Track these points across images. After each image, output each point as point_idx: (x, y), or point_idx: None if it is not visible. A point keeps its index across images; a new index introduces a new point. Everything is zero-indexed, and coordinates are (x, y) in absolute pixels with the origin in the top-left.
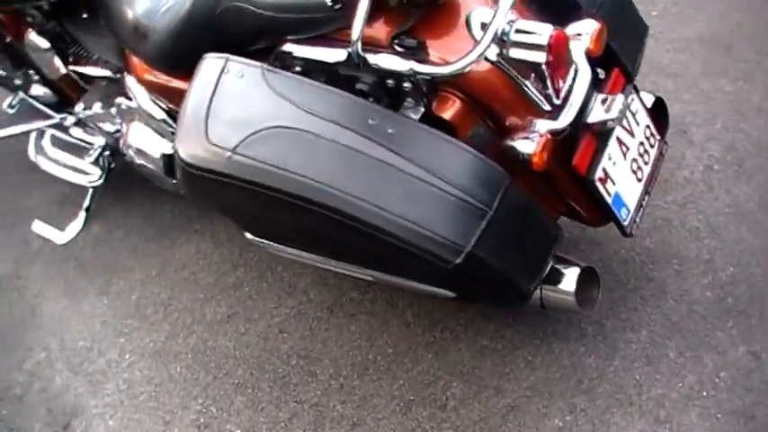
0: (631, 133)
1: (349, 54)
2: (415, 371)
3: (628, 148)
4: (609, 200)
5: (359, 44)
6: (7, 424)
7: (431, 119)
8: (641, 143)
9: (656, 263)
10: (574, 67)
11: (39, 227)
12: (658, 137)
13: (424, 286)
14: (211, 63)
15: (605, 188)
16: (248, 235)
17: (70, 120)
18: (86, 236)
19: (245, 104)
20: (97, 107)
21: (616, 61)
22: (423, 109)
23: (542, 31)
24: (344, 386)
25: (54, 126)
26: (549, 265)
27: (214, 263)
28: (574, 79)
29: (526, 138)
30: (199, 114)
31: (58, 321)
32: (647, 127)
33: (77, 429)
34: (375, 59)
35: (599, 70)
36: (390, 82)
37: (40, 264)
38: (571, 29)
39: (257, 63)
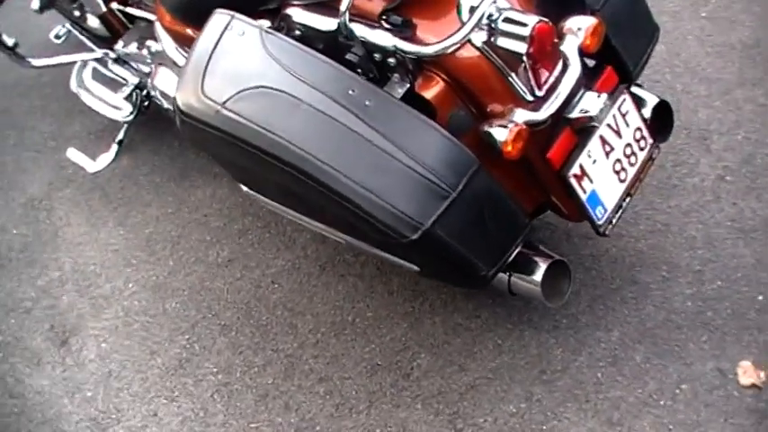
0: (618, 133)
1: (339, 24)
2: (389, 337)
3: (612, 148)
4: (583, 197)
5: (347, 15)
6: (13, 333)
7: (413, 96)
8: (629, 144)
9: (644, 266)
10: (564, 60)
11: (73, 154)
12: (650, 140)
13: (390, 256)
14: (218, 19)
15: (580, 185)
16: (241, 185)
17: (110, 56)
18: (115, 168)
19: (239, 62)
20: (133, 47)
21: (617, 59)
22: (408, 85)
23: (528, 22)
24: (320, 342)
25: (96, 60)
26: (514, 254)
27: (226, 208)
28: (563, 73)
29: (502, 126)
30: (198, 67)
31: (76, 245)
32: (639, 129)
33: (74, 347)
34: (362, 32)
35: (591, 61)
36: (377, 56)
37: (70, 189)
38: (569, 23)
39: (257, 24)
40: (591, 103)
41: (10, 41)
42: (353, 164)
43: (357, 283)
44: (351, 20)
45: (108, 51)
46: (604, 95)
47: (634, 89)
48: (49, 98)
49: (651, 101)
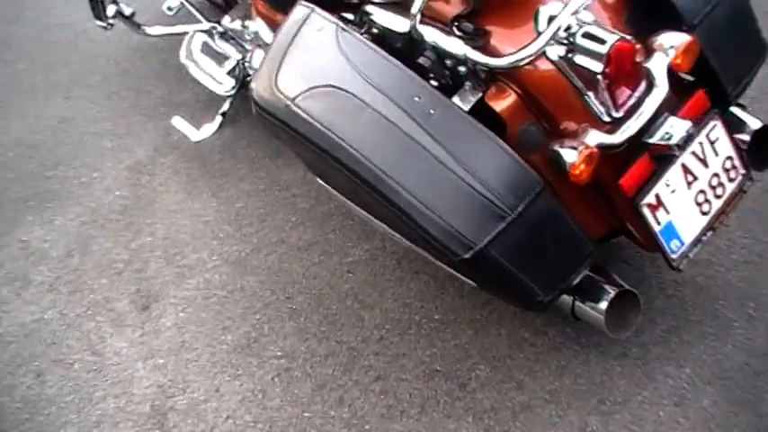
0: (704, 162)
1: (410, 27)
2: (452, 343)
3: (695, 178)
4: (656, 228)
5: (417, 18)
6: (103, 292)
7: (483, 107)
8: (716, 175)
9: (730, 300)
10: (649, 80)
11: (178, 122)
12: (743, 171)
13: (447, 268)
14: (298, 11)
15: (655, 215)
16: (315, 176)
17: (217, 29)
18: (216, 139)
19: (313, 58)
20: (237, 23)
21: (713, 80)
22: (480, 95)
23: (607, 39)
24: (383, 339)
25: (204, 33)
26: (575, 281)
27: (314, 190)
28: (647, 94)
29: (572, 147)
30: (275, 59)
31: (170, 212)
32: (729, 158)
33: (153, 313)
34: (433, 37)
35: (688, 77)
36: (449, 62)
37: (173, 156)
38: (660, 39)
39: (335, 20)
40: (674, 128)
41: (128, 11)
42: (411, 174)
43: (430, 282)
44: (423, 23)
45: (215, 25)
46: (688, 123)
47: (735, 110)
48: (166, 64)
49: (753, 125)
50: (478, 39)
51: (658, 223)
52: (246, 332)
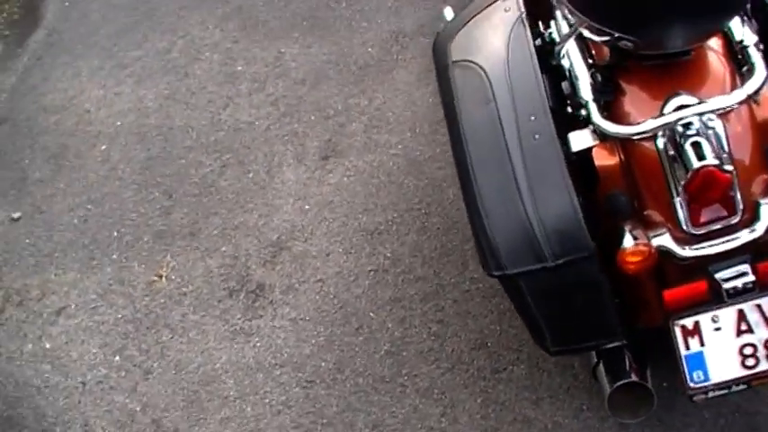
0: None
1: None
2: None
3: (750, 330)
4: (683, 351)
5: (566, 45)
6: (303, 128)
7: (588, 157)
8: None
9: None
10: (754, 215)
11: (448, 12)
12: None
13: None
14: None
15: (686, 340)
16: None
17: None
18: None
19: (486, 34)
20: None
21: None
22: (593, 144)
23: (703, 159)
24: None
25: None
26: (590, 350)
27: None
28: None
29: (636, 235)
30: (464, 19)
31: (394, 88)
32: None
33: (328, 165)
34: (573, 70)
35: None
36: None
37: (428, 41)
38: None
39: (522, 9)
40: (739, 275)
41: None
42: (489, 179)
43: None
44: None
45: None
46: (752, 278)
47: None
48: None
49: None
50: (607, 93)
51: (687, 348)
52: (378, 222)
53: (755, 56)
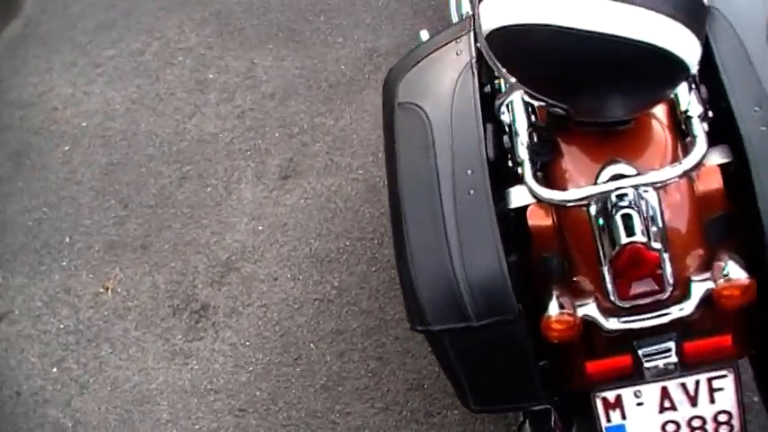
0: (692, 400)
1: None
2: None
3: (673, 408)
4: (603, 423)
5: (502, 103)
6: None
7: (522, 213)
8: (701, 418)
9: None
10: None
11: (424, 35)
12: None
13: None
14: (460, 26)
15: (606, 412)
16: None
17: None
18: None
19: (434, 76)
20: None
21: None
22: (527, 204)
23: (630, 236)
24: None
25: None
26: (512, 412)
27: None
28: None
29: (561, 304)
30: (418, 56)
31: (359, 108)
32: (726, 413)
33: (287, 185)
34: (508, 121)
35: None
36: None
37: None
38: (722, 263)
39: (474, 55)
40: (662, 355)
41: None
42: (420, 230)
43: None
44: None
45: None
46: (674, 359)
47: None
48: None
49: None
50: (544, 154)
51: (608, 420)
52: (329, 249)
53: (698, 128)
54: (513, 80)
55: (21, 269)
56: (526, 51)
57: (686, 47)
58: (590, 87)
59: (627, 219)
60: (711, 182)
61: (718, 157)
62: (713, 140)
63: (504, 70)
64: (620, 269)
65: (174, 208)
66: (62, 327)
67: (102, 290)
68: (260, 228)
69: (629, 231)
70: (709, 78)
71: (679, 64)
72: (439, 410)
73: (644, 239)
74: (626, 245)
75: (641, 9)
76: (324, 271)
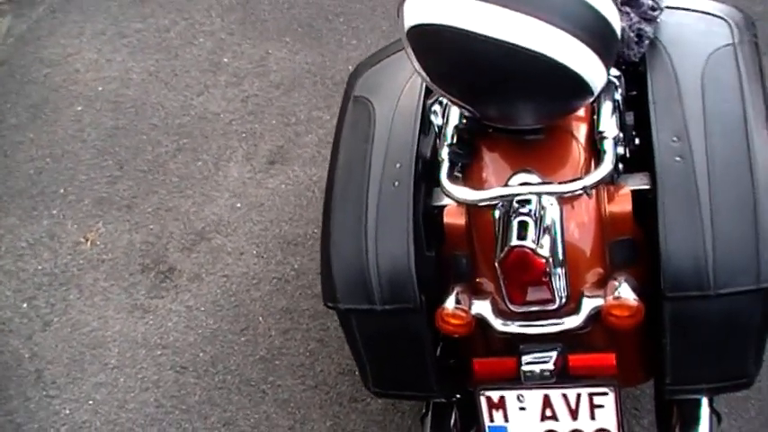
0: (573, 414)
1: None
2: None
3: (555, 418)
4: (487, 421)
5: (433, 105)
6: None
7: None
8: None
9: None
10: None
11: None
12: None
13: None
14: None
15: (490, 411)
16: None
17: None
18: None
19: (390, 74)
20: None
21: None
22: (447, 204)
23: (520, 241)
24: None
25: None
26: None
27: None
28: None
29: (459, 299)
30: (379, 56)
31: None
32: None
33: (273, 167)
34: (437, 122)
35: None
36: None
37: None
38: (616, 283)
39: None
40: (549, 364)
41: None
42: (344, 212)
43: None
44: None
45: None
46: (550, 366)
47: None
48: None
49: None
50: (464, 156)
51: (491, 420)
52: (297, 233)
53: (608, 149)
54: (427, 78)
55: (15, 211)
56: (435, 50)
57: (586, 65)
58: (491, 92)
59: (522, 224)
60: (621, 205)
61: (635, 183)
62: (636, 167)
63: (419, 67)
64: (507, 270)
65: (165, 176)
66: (40, 268)
67: (82, 240)
68: (238, 205)
69: (520, 235)
70: (640, 107)
71: (578, 81)
72: (364, 397)
73: (532, 245)
74: (514, 247)
75: (542, 23)
76: (288, 253)
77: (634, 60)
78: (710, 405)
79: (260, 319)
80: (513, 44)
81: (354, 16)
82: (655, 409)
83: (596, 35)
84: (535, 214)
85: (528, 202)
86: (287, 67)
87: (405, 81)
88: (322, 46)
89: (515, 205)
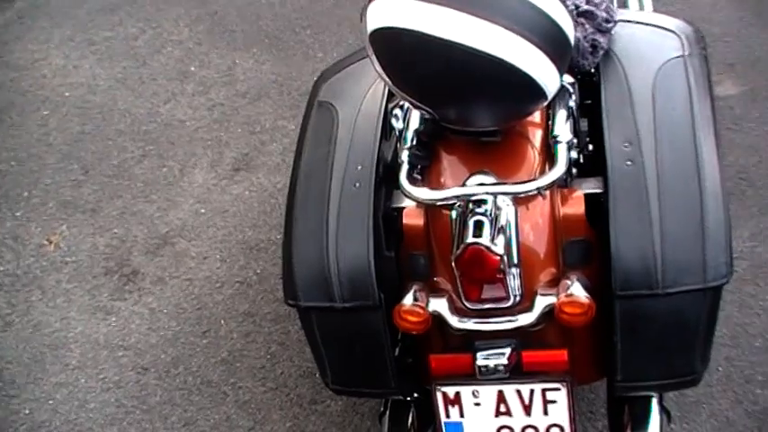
0: (527, 409)
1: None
2: None
3: (508, 413)
4: (443, 417)
5: (395, 108)
6: None
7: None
8: (534, 428)
9: None
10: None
11: None
12: None
13: None
14: None
15: (446, 407)
16: None
17: None
18: None
19: (354, 80)
20: None
21: (612, 359)
22: (406, 205)
23: (475, 239)
24: None
25: None
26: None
27: None
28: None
29: (416, 297)
30: (344, 63)
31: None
32: (558, 427)
33: (236, 174)
34: (398, 126)
35: None
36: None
37: None
38: (568, 282)
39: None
40: (502, 359)
41: None
42: (306, 211)
43: None
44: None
45: None
46: (504, 361)
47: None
48: None
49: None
50: (422, 158)
51: (447, 416)
52: (260, 239)
53: (561, 153)
54: (388, 80)
55: None
56: (395, 53)
57: (540, 70)
58: (449, 94)
59: (477, 223)
60: (575, 207)
61: (588, 187)
62: (590, 173)
63: (380, 70)
64: (462, 267)
65: (130, 180)
66: (2, 269)
67: (46, 242)
68: (202, 210)
69: (475, 234)
70: (594, 114)
71: (532, 84)
72: (324, 399)
73: (487, 243)
74: (469, 244)
75: (499, 27)
76: (251, 258)
77: (589, 70)
78: (660, 403)
79: (222, 321)
80: (470, 47)
81: (321, 29)
82: (607, 407)
83: (550, 41)
84: (490, 214)
85: (484, 202)
86: (253, 77)
87: (368, 86)
88: (288, 58)
89: (471, 205)
